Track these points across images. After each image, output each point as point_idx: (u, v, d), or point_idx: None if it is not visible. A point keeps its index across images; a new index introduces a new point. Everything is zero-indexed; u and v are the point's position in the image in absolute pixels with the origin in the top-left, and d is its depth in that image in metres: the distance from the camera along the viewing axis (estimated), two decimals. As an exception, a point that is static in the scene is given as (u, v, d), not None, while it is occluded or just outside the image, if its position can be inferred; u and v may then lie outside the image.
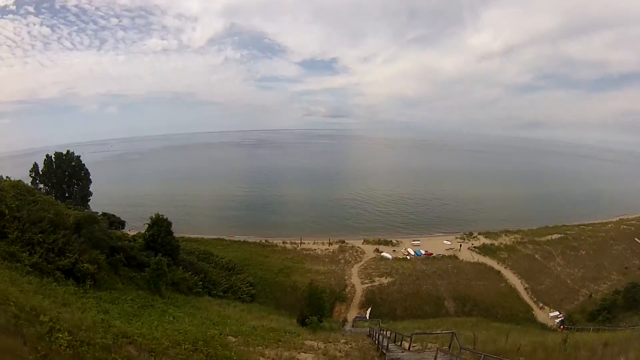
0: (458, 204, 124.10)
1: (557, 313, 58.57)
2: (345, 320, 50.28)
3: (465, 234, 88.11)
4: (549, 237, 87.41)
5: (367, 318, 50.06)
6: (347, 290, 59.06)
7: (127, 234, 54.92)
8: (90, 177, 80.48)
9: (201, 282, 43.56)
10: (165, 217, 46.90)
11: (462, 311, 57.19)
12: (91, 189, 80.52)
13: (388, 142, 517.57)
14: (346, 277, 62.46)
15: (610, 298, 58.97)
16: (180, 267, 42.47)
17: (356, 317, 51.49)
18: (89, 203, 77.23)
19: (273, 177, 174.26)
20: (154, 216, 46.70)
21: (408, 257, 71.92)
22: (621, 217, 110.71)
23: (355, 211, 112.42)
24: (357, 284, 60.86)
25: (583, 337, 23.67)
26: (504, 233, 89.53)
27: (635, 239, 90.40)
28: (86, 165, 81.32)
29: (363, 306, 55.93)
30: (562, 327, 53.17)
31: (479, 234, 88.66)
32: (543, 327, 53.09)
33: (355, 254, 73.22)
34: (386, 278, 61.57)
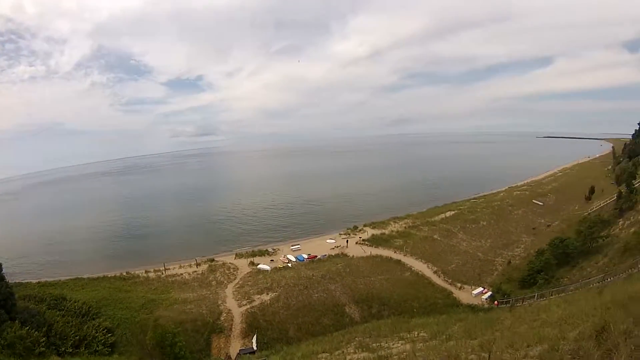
0: (334, 203, 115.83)
1: (482, 289, 50.23)
2: (228, 358, 40.81)
3: (350, 229, 78.44)
4: (442, 215, 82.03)
5: (254, 349, 40.50)
6: (222, 317, 46.73)
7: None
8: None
9: (45, 339, 35.53)
10: None
11: (369, 315, 44.76)
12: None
13: (256, 155, 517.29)
14: (220, 302, 50.24)
15: (538, 259, 51.83)
16: (17, 320, 34.92)
17: (240, 350, 41.26)
18: None
19: (136, 203, 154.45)
20: None
21: (289, 265, 62.77)
22: (510, 186, 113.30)
23: (223, 225, 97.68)
24: (234, 307, 48.85)
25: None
26: (392, 221, 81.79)
27: (534, 200, 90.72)
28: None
29: (246, 335, 44.34)
30: (496, 302, 44.51)
31: (365, 226, 79.71)
32: (473, 308, 43.24)
33: (227, 271, 61.11)
34: (267, 294, 50.85)
